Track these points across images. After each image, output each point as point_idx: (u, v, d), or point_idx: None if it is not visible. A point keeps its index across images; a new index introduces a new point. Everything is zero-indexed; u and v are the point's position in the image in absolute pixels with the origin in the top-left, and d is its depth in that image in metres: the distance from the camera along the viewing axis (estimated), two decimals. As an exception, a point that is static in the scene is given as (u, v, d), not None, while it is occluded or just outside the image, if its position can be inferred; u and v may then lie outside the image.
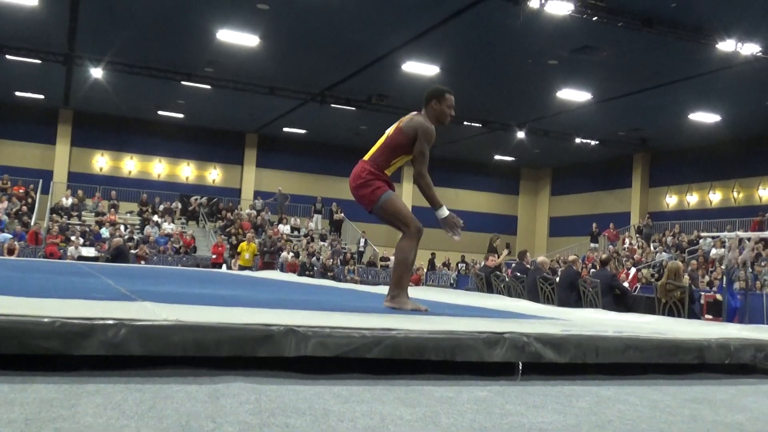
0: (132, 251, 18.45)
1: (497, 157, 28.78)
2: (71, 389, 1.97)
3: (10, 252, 17.28)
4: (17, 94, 22.30)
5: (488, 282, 11.79)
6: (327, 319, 2.77)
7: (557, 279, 10.99)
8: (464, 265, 24.25)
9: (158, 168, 26.17)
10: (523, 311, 4.70)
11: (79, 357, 2.22)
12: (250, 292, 4.62)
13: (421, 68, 17.39)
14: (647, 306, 9.86)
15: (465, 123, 22.57)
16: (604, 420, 2.06)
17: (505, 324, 3.12)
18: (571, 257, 11.73)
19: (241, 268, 17.27)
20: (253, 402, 1.96)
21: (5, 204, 21.46)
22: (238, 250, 18.61)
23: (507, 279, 11.67)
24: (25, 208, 21.53)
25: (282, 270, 18.26)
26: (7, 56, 17.95)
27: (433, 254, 25.61)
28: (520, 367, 2.72)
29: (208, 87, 20.09)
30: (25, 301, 2.64)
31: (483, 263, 13.07)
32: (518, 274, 11.35)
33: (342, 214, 25.39)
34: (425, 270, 23.39)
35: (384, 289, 7.97)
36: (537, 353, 2.72)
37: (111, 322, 2.21)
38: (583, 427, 1.95)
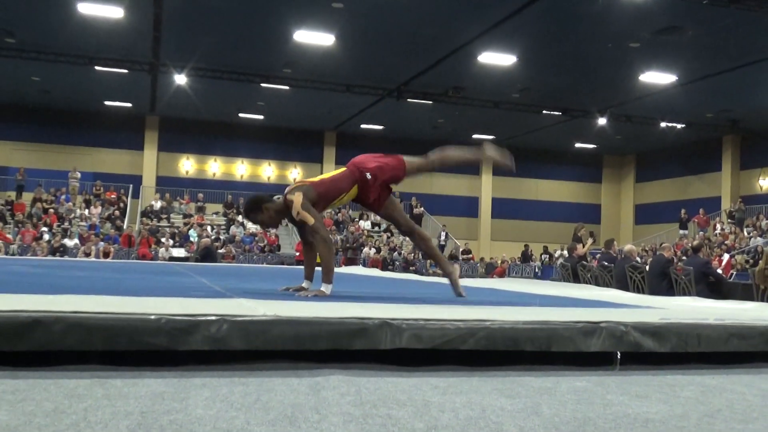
0: (219, 251, 18.97)
1: (578, 145, 28.18)
2: (179, 383, 2.05)
3: (106, 255, 18.04)
4: (106, 103, 23.24)
5: (575, 272, 11.56)
6: (420, 311, 2.78)
7: (647, 267, 10.68)
8: (547, 256, 23.87)
9: (241, 169, 26.79)
10: (617, 300, 4.59)
11: (184, 352, 2.30)
12: (338, 287, 4.66)
13: (497, 58, 17.19)
14: (744, 293, 9.48)
15: (544, 112, 22.22)
16: (712, 409, 2.00)
17: (600, 313, 3.06)
18: (663, 244, 11.37)
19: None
20: (354, 394, 1.98)
21: (99, 209, 22.42)
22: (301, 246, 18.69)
23: (594, 269, 11.42)
24: (117, 212, 22.43)
25: (365, 265, 18.41)
26: (96, 67, 18.71)
27: (526, 245, 25.30)
28: (619, 357, 2.67)
29: (287, 88, 20.43)
30: (131, 300, 2.76)
31: (567, 253, 12.81)
32: (605, 263, 11.08)
33: (422, 209, 25.40)
34: (509, 262, 23.15)
35: (468, 282, 7.93)
36: (636, 342, 2.66)
37: (213, 318, 2.28)
38: (692, 416, 1.90)
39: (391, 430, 1.63)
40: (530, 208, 29.42)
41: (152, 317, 2.25)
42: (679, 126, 23.50)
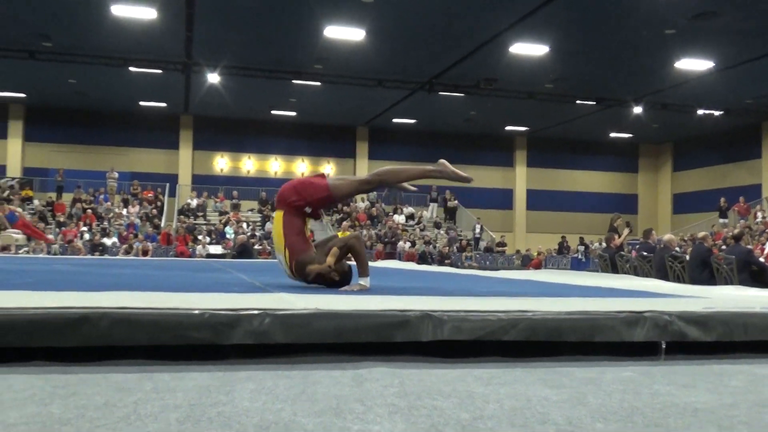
0: (255, 247, 19.12)
1: (613, 134, 27.82)
2: (224, 376, 2.07)
3: (144, 253, 18.30)
4: (141, 103, 23.55)
5: (613, 263, 11.43)
6: (461, 303, 2.77)
7: (686, 257, 10.51)
8: (584, 247, 23.63)
9: (275, 166, 26.97)
10: (659, 290, 4.53)
11: (228, 346, 2.33)
12: (376, 281, 4.67)
13: (529, 49, 17.03)
14: (788, 282, 9.28)
15: (578, 102, 21.98)
16: (763, 399, 1.96)
17: (643, 303, 3.02)
18: (701, 233, 11.16)
19: None
20: (397, 385, 1.99)
21: (137, 208, 22.75)
22: None
23: (632, 259, 11.28)
24: (155, 211, 22.74)
25: (400, 259, 18.42)
26: (131, 68, 18.97)
27: (562, 237, 25.07)
28: (664, 347, 2.63)
29: (318, 84, 20.49)
30: (174, 296, 2.79)
31: (605, 244, 12.66)
32: (644, 253, 10.93)
33: (456, 202, 25.32)
34: (545, 254, 22.97)
35: (506, 274, 7.89)
36: (681, 332, 2.63)
37: (256, 312, 2.31)
38: (741, 406, 1.86)
39: (437, 420, 1.63)
40: (565, 199, 29.14)
41: (196, 312, 2.28)
42: (716, 113, 23.07)
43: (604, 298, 3.46)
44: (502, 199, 28.71)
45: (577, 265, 21.19)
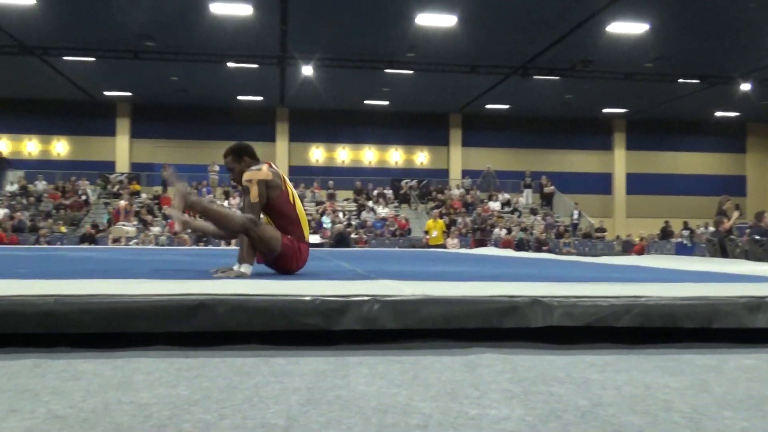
0: (351, 236, 19.37)
1: (719, 113, 26.56)
2: (337, 361, 2.11)
3: (245, 243, 18.79)
4: (239, 98, 24.22)
5: (723, 247, 10.94)
6: (571, 288, 2.72)
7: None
8: (689, 231, 22.72)
9: (369, 155, 27.20)
10: (776, 275, 4.31)
11: (338, 331, 2.37)
12: (477, 267, 4.66)
13: (628, 27, 16.47)
14: None
15: (680, 80, 21.11)
16: None
17: (765, 288, 2.88)
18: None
19: (432, 246, 17.09)
20: (510, 371, 1.97)
21: (237, 200, 23.43)
22: (425, 229, 18.51)
23: (743, 243, 10.76)
24: (254, 202, 23.32)
25: (496, 246, 18.24)
26: (229, 64, 19.54)
27: (666, 222, 24.22)
28: (789, 333, 2.50)
29: (410, 72, 20.51)
30: (285, 283, 2.86)
31: (713, 228, 12.13)
32: (757, 237, 10.41)
33: (552, 187, 24.82)
34: (648, 239, 22.22)
35: (607, 260, 7.70)
36: (807, 317, 2.49)
37: (366, 298, 2.33)
38: None
39: (555, 407, 1.61)
40: (668, 183, 28.07)
41: (307, 298, 2.33)
42: (833, 87, 21.68)
43: (722, 283, 3.32)
44: (601, 184, 27.95)
45: (682, 251, 20.41)
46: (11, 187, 22.88)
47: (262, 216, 4.00)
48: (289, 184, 4.17)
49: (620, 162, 28.08)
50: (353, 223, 21.72)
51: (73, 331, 2.21)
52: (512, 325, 2.40)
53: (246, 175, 3.88)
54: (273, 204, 3.99)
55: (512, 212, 23.44)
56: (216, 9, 15.36)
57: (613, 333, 2.48)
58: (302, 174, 25.62)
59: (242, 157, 4.08)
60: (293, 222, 4.07)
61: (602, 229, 23.16)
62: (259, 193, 3.84)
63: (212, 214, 3.94)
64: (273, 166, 4.06)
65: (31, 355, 2.10)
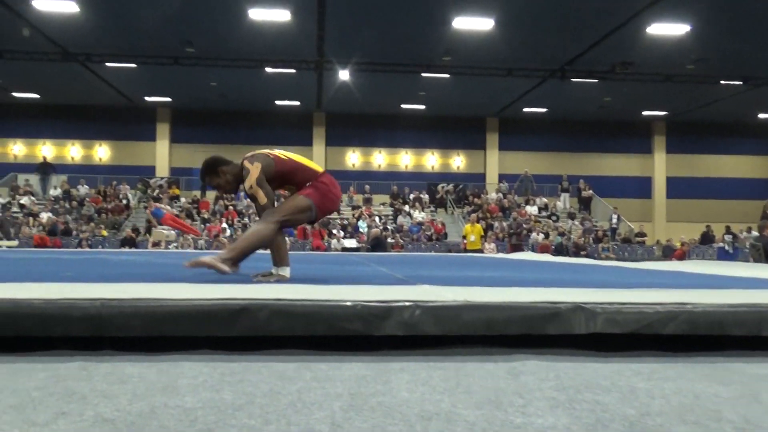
0: (388, 240, 19.37)
1: (762, 115, 25.99)
2: (379, 367, 2.10)
3: (283, 247, 18.91)
4: (277, 102, 24.41)
5: (767, 252, 10.70)
6: (614, 295, 2.68)
7: None
8: (731, 236, 22.26)
9: (405, 159, 27.18)
10: (826, 281, 4.19)
11: (378, 337, 2.36)
12: (517, 273, 4.62)
13: (668, 29, 16.23)
14: None
15: (722, 82, 20.72)
16: None
17: (815, 295, 2.81)
18: None
19: (469, 251, 16.95)
20: (554, 379, 1.95)
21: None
22: (463, 233, 18.36)
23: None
24: (291, 206, 23.48)
25: (534, 251, 18.09)
26: (267, 69, 19.71)
27: (707, 226, 23.76)
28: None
29: (447, 76, 20.47)
30: (326, 288, 2.87)
31: (758, 232, 11.87)
32: (803, 242, 10.17)
33: (590, 191, 24.55)
34: (689, 244, 21.83)
35: (652, 265, 7.57)
36: None
37: (407, 303, 2.33)
38: None
39: (601, 416, 1.59)
40: (709, 186, 27.56)
41: (348, 304, 2.33)
42: None
43: (770, 290, 3.24)
44: (640, 188, 27.56)
45: (723, 256, 20.01)
46: (54, 192, 23.36)
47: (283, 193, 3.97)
48: (276, 151, 4.06)
49: (660, 165, 27.66)
50: (389, 227, 21.73)
51: (118, 334, 2.24)
52: (555, 332, 2.37)
53: (246, 184, 3.83)
54: (279, 178, 3.95)
55: (549, 217, 23.22)
56: (255, 15, 15.51)
57: (658, 340, 2.44)
58: (339, 178, 25.09)
59: (217, 170, 3.97)
60: (301, 171, 3.99)
61: (642, 234, 22.84)
62: (265, 192, 3.80)
63: (248, 250, 3.85)
64: (252, 156, 3.92)
65: (78, 358, 2.13)
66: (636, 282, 3.83)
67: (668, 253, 20.42)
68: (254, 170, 3.77)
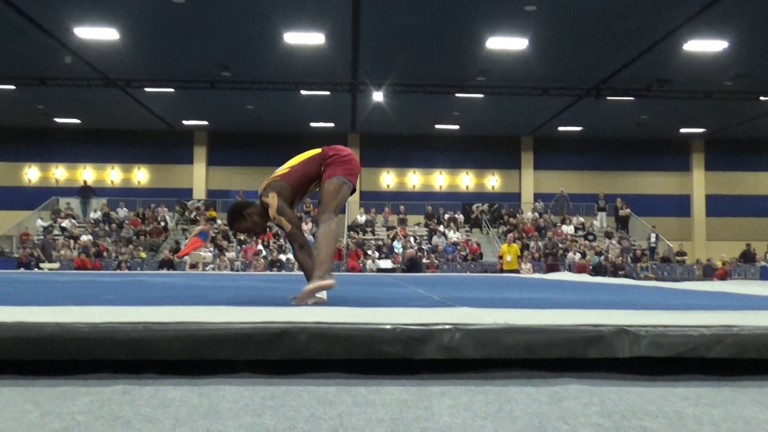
0: (423, 261, 19.33)
1: (803, 131, 25.52)
2: (419, 391, 2.08)
3: (318, 268, 18.97)
4: (312, 124, 24.62)
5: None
6: (658, 317, 2.64)
7: None
8: (774, 255, 21.82)
9: (439, 180, 27.17)
10: None
11: (418, 360, 2.35)
12: (556, 294, 4.56)
13: (706, 45, 16.05)
14: None
15: (762, 98, 20.39)
16: None
17: None
18: None
19: (505, 271, 16.78)
20: (598, 404, 1.91)
21: (309, 225, 23.73)
22: (499, 253, 18.22)
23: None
24: (326, 227, 23.58)
25: (570, 271, 17.89)
26: (302, 92, 19.92)
27: (748, 244, 23.31)
28: None
29: (481, 96, 20.47)
30: (365, 311, 2.86)
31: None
32: None
33: (628, 210, 24.25)
34: (731, 263, 21.42)
35: (688, 286, 7.43)
36: None
37: (447, 327, 2.31)
38: None
39: (649, 443, 1.55)
40: (750, 204, 27.04)
41: (388, 327, 2.32)
42: None
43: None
44: (679, 206, 27.15)
45: (767, 275, 19.59)
46: (95, 214, 23.79)
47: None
48: (277, 171, 4.08)
49: (699, 183, 27.23)
50: (424, 247, 21.69)
51: (160, 357, 2.26)
52: (598, 356, 2.33)
53: (271, 215, 3.86)
54: (299, 186, 3.99)
55: (585, 236, 22.97)
56: (290, 39, 15.72)
57: (705, 363, 2.39)
58: (373, 199, 25.78)
59: (242, 214, 3.99)
60: (307, 166, 4.05)
61: (682, 253, 22.47)
62: (287, 218, 3.84)
63: (329, 254, 3.84)
64: (265, 189, 3.95)
65: (121, 382, 2.15)
66: (679, 303, 3.75)
67: (709, 272, 20.05)
68: (272, 200, 3.83)
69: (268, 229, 22.62)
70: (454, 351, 2.30)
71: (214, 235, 21.51)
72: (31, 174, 26.30)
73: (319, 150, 4.12)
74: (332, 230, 3.85)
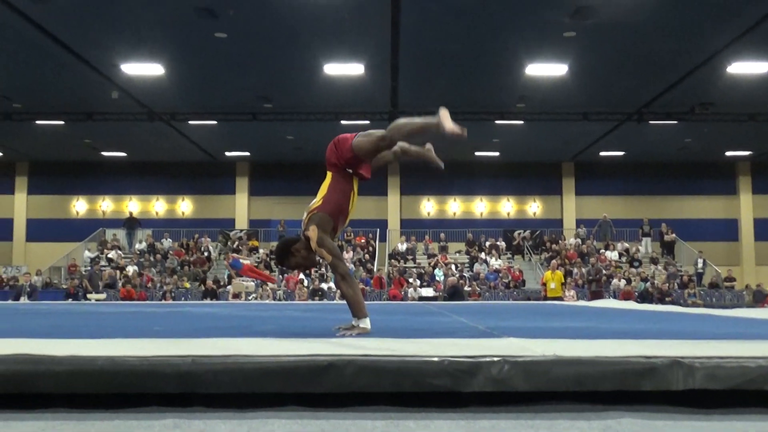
0: (465, 288, 19.19)
1: None
2: (468, 425, 2.06)
3: (360, 297, 18.98)
4: (351, 154, 24.73)
5: None
6: (713, 348, 2.57)
7: None
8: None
9: (480, 206, 27.04)
10: None
11: (465, 393, 2.32)
12: (604, 323, 4.47)
13: (750, 67, 15.78)
14: None
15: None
16: None
17: None
18: None
19: (549, 299, 16.53)
20: (653, 439, 1.87)
21: (351, 254, 23.79)
22: (543, 280, 17.98)
23: None
24: (367, 256, 23.65)
25: (615, 298, 17.58)
26: (342, 122, 20.08)
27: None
28: None
29: (521, 122, 20.39)
30: (411, 342, 2.85)
31: None
32: None
33: (673, 235, 23.81)
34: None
35: (739, 313, 7.23)
36: None
37: (496, 359, 2.28)
38: None
39: (710, 481, 1.50)
40: (801, 227, 26.32)
41: (435, 359, 2.30)
42: None
43: None
44: (726, 230, 26.53)
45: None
46: (140, 245, 24.20)
47: None
48: (312, 203, 4.16)
49: (747, 206, 26.61)
50: (466, 275, 21.55)
51: (208, 391, 2.27)
52: (650, 388, 2.28)
53: (313, 248, 3.94)
54: (338, 213, 4.12)
55: (630, 262, 22.58)
56: (329, 70, 15.90)
57: (764, 397, 2.31)
58: (414, 227, 25.75)
59: (290, 251, 4.08)
60: (334, 191, 4.22)
61: (731, 279, 21.93)
62: (327, 250, 3.92)
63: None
64: (306, 223, 4.03)
65: (169, 415, 2.17)
66: (733, 332, 3.65)
67: (759, 298, 19.51)
68: (312, 233, 3.92)
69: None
70: (502, 383, 2.27)
71: (256, 264, 21.69)
72: (79, 206, 26.89)
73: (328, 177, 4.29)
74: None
